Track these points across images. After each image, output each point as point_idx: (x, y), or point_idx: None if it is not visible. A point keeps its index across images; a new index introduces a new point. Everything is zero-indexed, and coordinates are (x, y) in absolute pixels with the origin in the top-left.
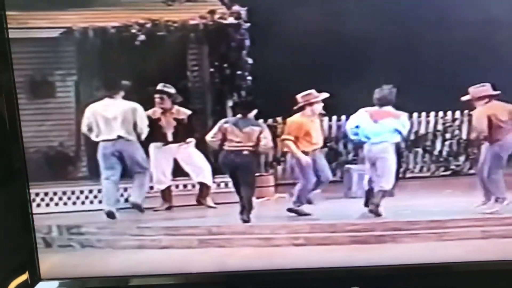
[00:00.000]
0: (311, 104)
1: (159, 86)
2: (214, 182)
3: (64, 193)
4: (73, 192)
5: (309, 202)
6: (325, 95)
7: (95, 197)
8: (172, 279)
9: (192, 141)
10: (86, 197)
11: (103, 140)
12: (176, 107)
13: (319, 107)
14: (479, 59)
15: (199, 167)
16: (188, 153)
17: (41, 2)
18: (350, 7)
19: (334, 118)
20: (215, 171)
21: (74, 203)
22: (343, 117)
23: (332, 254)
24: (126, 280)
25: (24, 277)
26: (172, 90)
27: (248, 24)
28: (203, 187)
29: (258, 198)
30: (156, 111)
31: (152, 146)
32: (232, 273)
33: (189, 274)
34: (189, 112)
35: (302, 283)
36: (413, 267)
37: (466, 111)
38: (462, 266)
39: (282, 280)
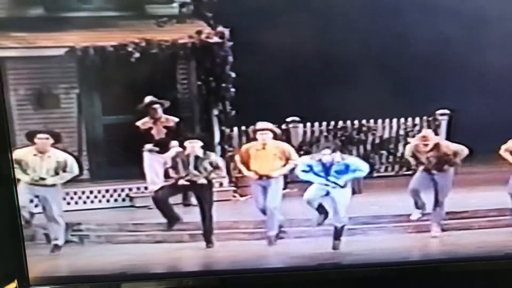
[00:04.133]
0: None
1: (152, 98)
2: None
3: (67, 193)
4: (75, 193)
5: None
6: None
7: (95, 197)
8: (164, 283)
9: (176, 145)
10: (87, 197)
11: None
12: (164, 115)
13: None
14: (437, 73)
15: None
16: None
17: (48, 24)
18: (321, 23)
19: (309, 124)
20: None
21: (76, 202)
22: (316, 124)
23: (308, 246)
24: (117, 285)
25: (13, 285)
26: (164, 101)
27: (231, 43)
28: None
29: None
30: (146, 122)
31: (146, 152)
32: (225, 276)
33: (182, 278)
34: (176, 119)
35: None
36: (402, 268)
37: (424, 117)
38: (452, 266)
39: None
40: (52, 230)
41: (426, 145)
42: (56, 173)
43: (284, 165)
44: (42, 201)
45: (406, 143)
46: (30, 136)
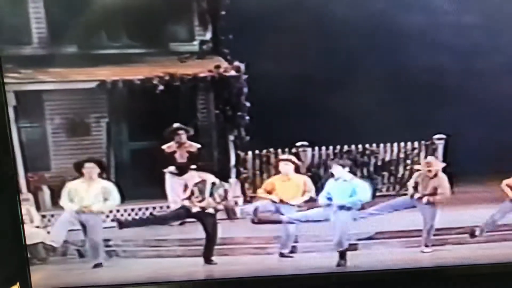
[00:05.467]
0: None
1: (177, 125)
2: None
3: None
4: (102, 212)
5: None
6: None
7: (122, 215)
8: (165, 286)
9: (195, 166)
10: (114, 215)
11: None
12: (188, 141)
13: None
14: (434, 102)
15: None
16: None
17: (81, 60)
18: (326, 59)
19: (317, 148)
20: None
21: (104, 221)
22: (323, 148)
23: (318, 260)
24: None
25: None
26: (188, 128)
27: (246, 76)
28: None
29: None
30: (171, 146)
31: (168, 174)
32: (223, 281)
33: (183, 282)
34: (198, 145)
35: None
36: (401, 271)
37: (422, 142)
38: (451, 270)
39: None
40: (93, 252)
41: (430, 171)
42: (102, 199)
43: (302, 196)
44: (89, 227)
45: (406, 165)
46: (78, 167)
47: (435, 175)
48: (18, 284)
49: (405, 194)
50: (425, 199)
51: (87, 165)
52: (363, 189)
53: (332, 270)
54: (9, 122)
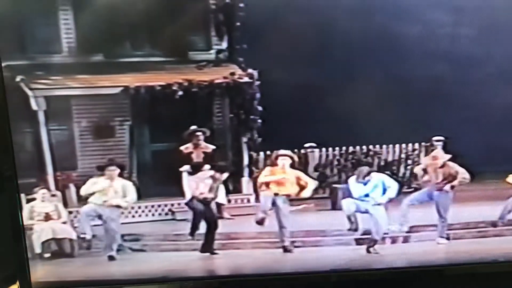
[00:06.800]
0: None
1: (195, 127)
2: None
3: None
4: (126, 208)
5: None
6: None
7: (143, 211)
8: (165, 287)
9: (208, 167)
10: (136, 212)
11: None
12: (204, 143)
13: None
14: (433, 106)
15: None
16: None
17: (106, 68)
18: (331, 67)
19: (324, 149)
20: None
21: (126, 216)
22: (330, 149)
23: (321, 254)
24: None
25: (15, 287)
26: (205, 130)
27: (259, 82)
28: (220, 206)
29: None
30: (188, 147)
31: (185, 173)
32: (224, 279)
33: (184, 280)
34: (213, 146)
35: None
36: (407, 271)
37: (422, 143)
38: (455, 269)
39: (280, 284)
40: (108, 243)
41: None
42: (121, 196)
43: (300, 191)
44: (107, 220)
45: (407, 165)
46: (102, 169)
47: (443, 165)
48: (18, 283)
49: (407, 192)
50: (447, 186)
51: (110, 168)
52: (391, 182)
53: (333, 267)
54: (9, 122)
